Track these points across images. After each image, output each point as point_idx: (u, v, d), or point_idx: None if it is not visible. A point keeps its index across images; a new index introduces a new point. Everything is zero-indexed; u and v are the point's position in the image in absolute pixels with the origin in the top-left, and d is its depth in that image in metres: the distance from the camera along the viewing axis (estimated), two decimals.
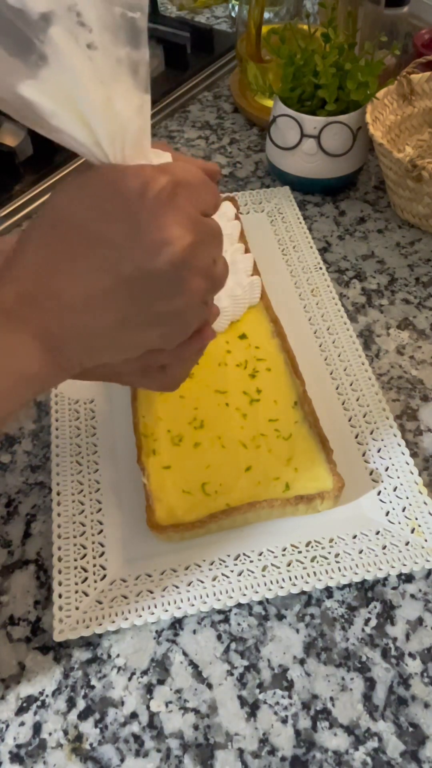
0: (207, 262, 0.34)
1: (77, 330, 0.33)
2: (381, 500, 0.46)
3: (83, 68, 0.29)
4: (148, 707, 0.39)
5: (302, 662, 0.41)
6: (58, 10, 0.28)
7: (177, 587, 0.42)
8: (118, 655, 0.41)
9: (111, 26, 0.29)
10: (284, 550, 0.44)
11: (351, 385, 0.53)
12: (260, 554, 0.44)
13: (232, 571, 0.43)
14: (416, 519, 0.45)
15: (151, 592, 0.42)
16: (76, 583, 0.42)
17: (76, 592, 0.42)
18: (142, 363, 0.38)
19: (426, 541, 0.44)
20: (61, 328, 0.32)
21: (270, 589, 0.42)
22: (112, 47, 0.30)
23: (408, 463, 0.48)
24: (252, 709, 0.39)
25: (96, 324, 0.33)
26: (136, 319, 0.33)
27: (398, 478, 0.47)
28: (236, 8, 0.94)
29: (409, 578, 0.44)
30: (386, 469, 0.48)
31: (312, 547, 0.44)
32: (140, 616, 0.41)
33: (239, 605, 0.43)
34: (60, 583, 0.42)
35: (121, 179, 0.31)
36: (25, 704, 0.40)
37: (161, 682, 0.40)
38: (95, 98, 0.30)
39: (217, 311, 0.40)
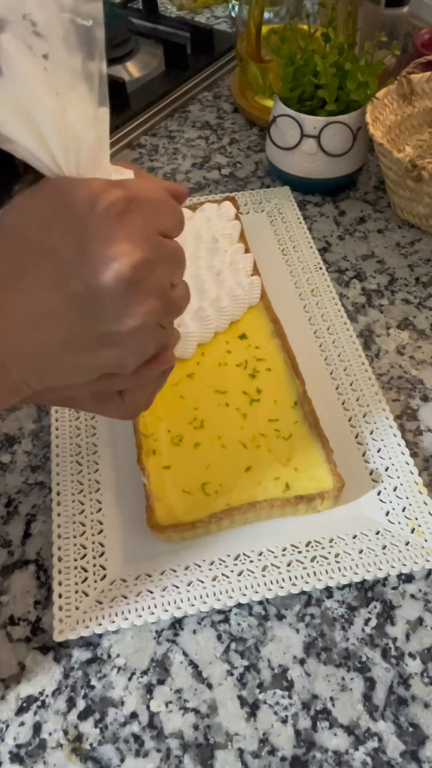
0: (162, 283, 0.32)
1: (22, 348, 0.31)
2: (381, 500, 0.46)
3: (37, 79, 0.29)
4: (148, 707, 0.39)
5: (302, 662, 0.41)
6: (11, 17, 0.27)
7: (177, 587, 0.42)
8: (118, 655, 0.41)
9: (62, 34, 0.28)
10: (284, 550, 0.44)
11: (351, 385, 0.53)
12: (260, 554, 0.44)
13: (232, 571, 0.43)
14: (416, 519, 0.45)
15: (151, 592, 0.42)
16: (76, 583, 0.42)
17: (76, 592, 0.42)
18: (99, 388, 0.36)
19: (426, 541, 0.44)
20: (5, 346, 0.30)
21: (270, 589, 0.42)
22: (65, 56, 0.29)
23: (408, 463, 0.48)
24: (252, 709, 0.39)
25: (42, 342, 0.31)
26: (85, 338, 0.31)
27: (398, 478, 0.47)
28: (236, 8, 0.94)
29: (409, 578, 0.44)
30: (386, 469, 0.48)
31: (312, 547, 0.44)
32: (140, 616, 0.41)
33: (239, 605, 0.43)
34: (60, 583, 0.42)
35: (71, 191, 0.30)
36: (25, 704, 0.40)
37: (161, 682, 0.40)
38: (49, 109, 0.29)
39: (177, 336, 0.38)
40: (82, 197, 0.30)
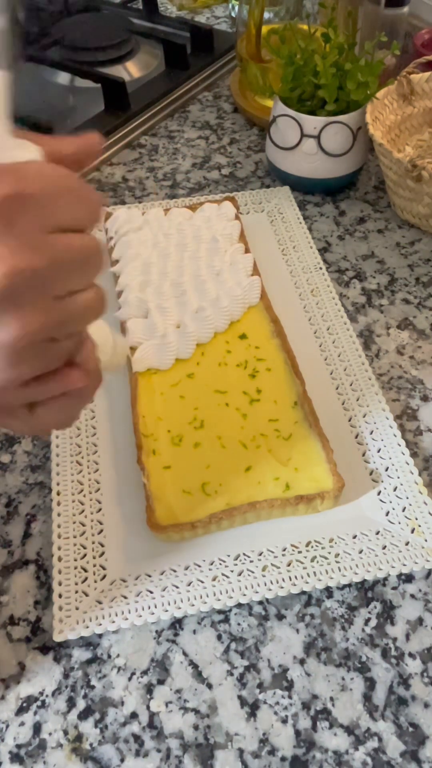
0: (46, 293, 0.28)
1: None
2: (381, 500, 0.46)
3: None
4: (148, 707, 0.39)
5: (302, 662, 0.41)
6: None
7: (177, 587, 0.42)
8: (118, 655, 0.41)
9: None
10: (284, 550, 0.44)
11: (351, 385, 0.53)
12: (260, 554, 0.44)
13: (232, 571, 0.43)
14: (416, 519, 0.45)
15: (151, 592, 0.42)
16: (76, 583, 0.42)
17: (76, 592, 0.42)
18: (1, 400, 0.31)
19: (426, 541, 0.44)
20: None
21: (270, 589, 0.42)
22: None
23: (408, 463, 0.48)
24: (252, 709, 0.39)
25: None
26: None
27: (398, 478, 0.47)
28: (236, 8, 0.94)
29: (409, 578, 0.44)
30: (386, 469, 0.48)
31: (312, 547, 0.44)
32: (140, 616, 0.41)
33: (239, 605, 0.43)
34: (60, 583, 0.42)
35: None
36: (25, 704, 0.40)
37: (161, 682, 0.40)
38: None
39: (90, 347, 0.32)
40: None
